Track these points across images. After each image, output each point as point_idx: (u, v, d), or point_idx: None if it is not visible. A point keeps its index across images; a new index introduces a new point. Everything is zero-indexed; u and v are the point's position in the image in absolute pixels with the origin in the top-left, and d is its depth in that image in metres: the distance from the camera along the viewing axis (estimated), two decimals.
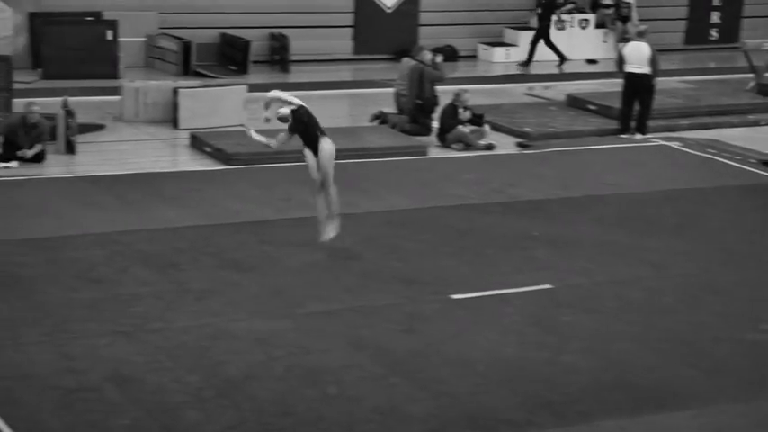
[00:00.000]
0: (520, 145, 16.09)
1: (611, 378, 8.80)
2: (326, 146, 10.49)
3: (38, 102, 14.32)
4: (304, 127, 10.49)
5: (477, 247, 11.56)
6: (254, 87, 17.37)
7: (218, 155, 14.34)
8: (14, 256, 10.55)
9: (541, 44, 21.62)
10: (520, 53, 22.00)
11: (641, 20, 22.15)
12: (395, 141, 15.48)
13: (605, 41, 23.11)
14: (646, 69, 16.43)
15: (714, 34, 24.83)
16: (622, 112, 16.81)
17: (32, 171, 13.57)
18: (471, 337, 9.39)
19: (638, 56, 16.48)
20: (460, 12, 22.24)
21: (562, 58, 21.71)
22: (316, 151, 10.46)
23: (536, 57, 21.79)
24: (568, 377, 8.77)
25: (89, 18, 19.03)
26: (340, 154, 14.60)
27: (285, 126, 10.58)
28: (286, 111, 10.50)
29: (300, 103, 10.60)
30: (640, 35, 16.93)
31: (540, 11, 21.72)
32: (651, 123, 16.83)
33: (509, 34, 22.58)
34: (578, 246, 11.74)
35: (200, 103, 15.89)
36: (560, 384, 8.64)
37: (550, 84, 20.34)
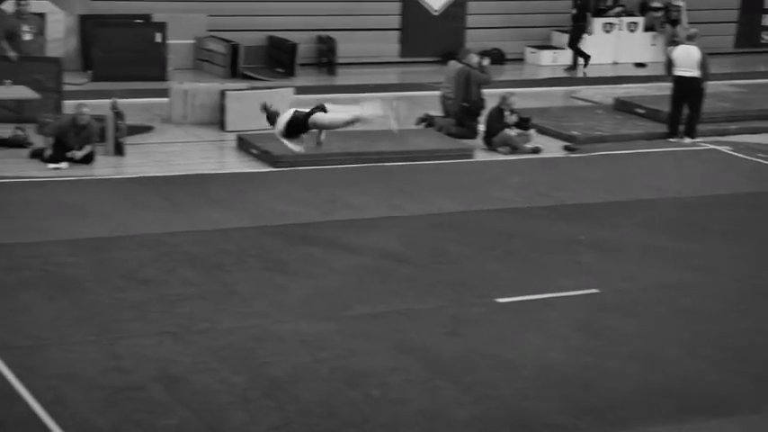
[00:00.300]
0: (566, 148, 16.02)
1: (657, 384, 8.73)
2: (313, 120, 11.17)
3: (87, 103, 14.46)
4: (303, 122, 11.25)
5: (522, 251, 11.52)
6: (301, 90, 17.45)
7: (265, 157, 14.40)
8: (63, 257, 10.66)
9: (582, 44, 21.51)
10: (567, 56, 21.91)
11: (691, 23, 21.99)
12: (441, 144, 15.46)
13: (654, 44, 22.95)
14: (695, 73, 16.30)
15: (765, 37, 24.58)
16: (671, 116, 16.68)
17: (82, 172, 13.70)
18: (517, 341, 9.35)
19: (687, 59, 16.36)
20: (508, 15, 22.18)
21: (586, 60, 21.53)
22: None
23: (580, 60, 21.70)
24: (614, 382, 8.71)
25: (138, 20, 19.19)
26: (386, 157, 14.70)
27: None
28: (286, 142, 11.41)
29: (284, 120, 11.32)
30: (690, 38, 16.80)
31: (574, 11, 21.56)
32: (700, 127, 16.69)
33: (557, 37, 22.49)
34: (625, 250, 11.67)
35: (247, 106, 15.96)
36: (606, 389, 8.58)
37: (599, 87, 20.23)
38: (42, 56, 16.63)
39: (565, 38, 22.18)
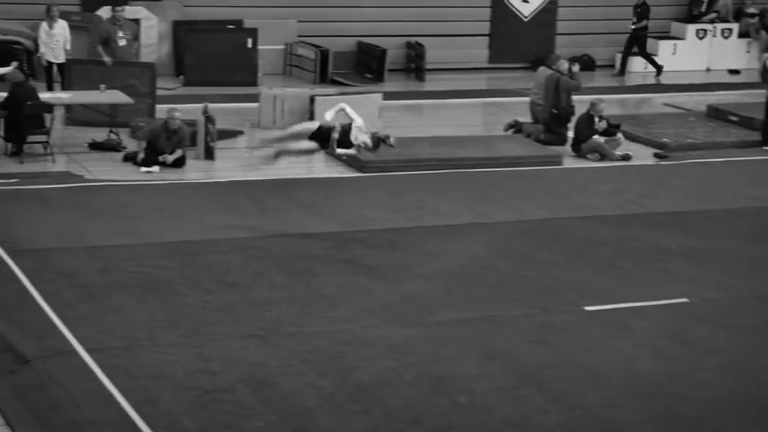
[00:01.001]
0: (657, 156, 15.82)
1: (748, 395, 8.57)
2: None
3: (179, 108, 14.65)
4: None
5: (611, 259, 11.40)
6: (389, 95, 17.49)
7: (353, 162, 14.46)
8: (154, 259, 10.82)
9: (666, 53, 21.14)
10: (659, 63, 21.65)
11: None
12: (529, 150, 15.38)
13: (749, 51, 22.56)
14: None
15: None
16: (765, 124, 16.38)
17: (173, 176, 13.89)
18: (604, 350, 9.26)
19: None
20: (599, 21, 21.97)
21: (622, 71, 21.19)
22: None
23: (677, 66, 21.45)
24: (703, 393, 8.57)
25: (230, 26, 19.41)
26: (473, 163, 14.66)
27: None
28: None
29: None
30: None
31: (635, 20, 21.13)
32: None
33: (648, 43, 22.19)
34: (716, 259, 11.47)
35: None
36: (695, 400, 8.45)
37: (691, 94, 19.95)
38: (137, 61, 16.92)
39: (655, 44, 21.94)
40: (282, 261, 10.93)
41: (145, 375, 8.45)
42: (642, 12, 21.12)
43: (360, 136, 11.29)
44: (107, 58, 16.10)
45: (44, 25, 16.37)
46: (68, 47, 16.34)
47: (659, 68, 21.28)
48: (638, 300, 10.34)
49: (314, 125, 11.65)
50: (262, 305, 9.86)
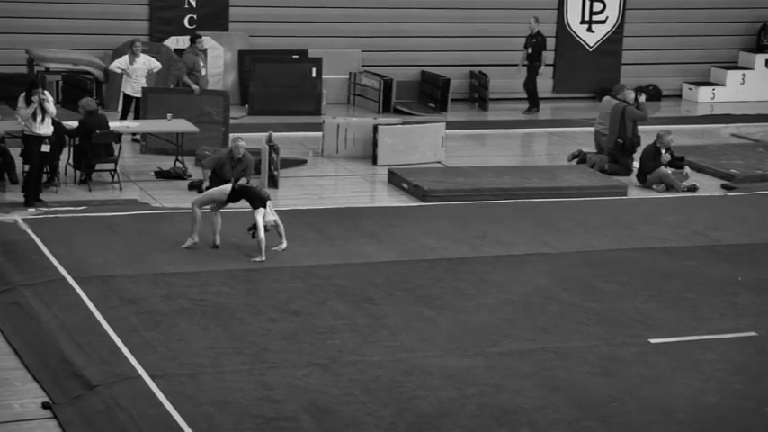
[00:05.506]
0: (725, 187, 15.63)
1: None
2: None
3: (243, 137, 14.75)
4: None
5: (677, 291, 11.26)
6: (452, 125, 17.49)
7: (415, 191, 14.47)
8: (218, 287, 10.88)
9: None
10: (727, 93, 21.45)
11: None
12: (593, 181, 15.27)
13: None
14: None
15: None
16: None
17: (236, 204, 13.95)
18: (670, 383, 9.13)
19: None
20: (665, 51, 21.82)
21: (532, 105, 20.07)
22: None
23: (745, 96, 21.20)
24: None
25: (295, 56, 19.57)
26: (537, 193, 14.58)
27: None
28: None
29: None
30: None
31: (530, 51, 19.96)
32: None
33: (716, 73, 22.02)
34: None
35: (398, 140, 16.08)
36: None
37: (759, 125, 19.70)
38: (211, 90, 17.10)
39: (723, 74, 21.73)
40: (344, 290, 10.94)
41: (208, 402, 8.49)
42: (538, 43, 19.87)
43: (269, 215, 11.79)
44: (195, 87, 16.29)
45: (125, 59, 16.49)
46: (144, 79, 16.37)
47: (535, 105, 20.10)
48: (704, 333, 10.19)
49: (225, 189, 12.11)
50: (324, 333, 9.87)
